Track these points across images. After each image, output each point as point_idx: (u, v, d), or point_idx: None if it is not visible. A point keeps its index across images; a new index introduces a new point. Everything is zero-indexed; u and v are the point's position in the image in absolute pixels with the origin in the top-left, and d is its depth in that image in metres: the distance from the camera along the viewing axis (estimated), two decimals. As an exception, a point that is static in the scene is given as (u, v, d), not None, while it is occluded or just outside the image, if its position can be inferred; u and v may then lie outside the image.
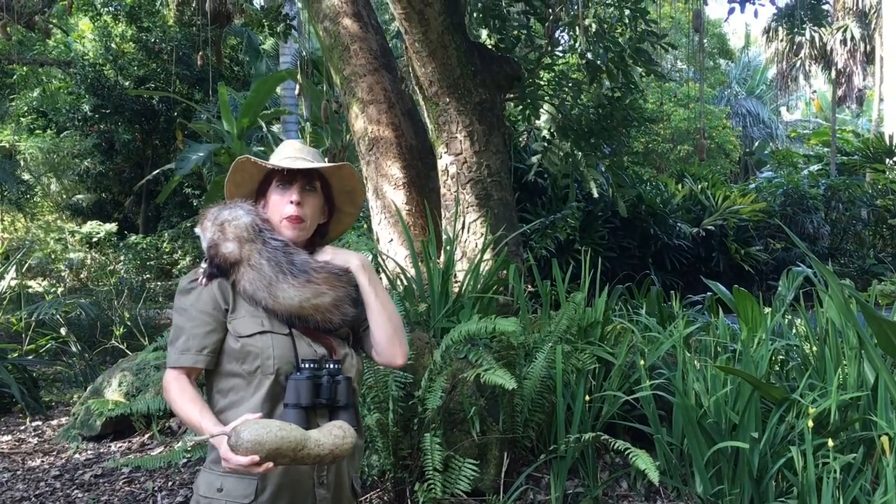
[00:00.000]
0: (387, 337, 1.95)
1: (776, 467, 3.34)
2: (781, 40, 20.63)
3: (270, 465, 1.61)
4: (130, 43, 16.64)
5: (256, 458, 1.59)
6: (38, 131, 18.69)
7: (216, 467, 1.80)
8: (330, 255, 1.96)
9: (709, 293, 6.27)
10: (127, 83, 16.44)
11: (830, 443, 3.09)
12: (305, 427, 1.76)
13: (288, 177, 1.93)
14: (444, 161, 5.68)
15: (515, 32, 6.90)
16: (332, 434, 1.72)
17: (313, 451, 1.67)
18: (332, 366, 1.83)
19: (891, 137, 13.83)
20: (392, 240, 6.00)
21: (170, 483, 4.57)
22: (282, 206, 1.92)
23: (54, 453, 5.51)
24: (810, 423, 3.18)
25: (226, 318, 1.86)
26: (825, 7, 8.54)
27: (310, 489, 1.85)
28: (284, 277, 1.84)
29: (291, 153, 1.97)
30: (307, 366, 1.80)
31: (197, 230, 1.97)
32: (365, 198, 6.98)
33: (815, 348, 4.18)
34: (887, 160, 13.69)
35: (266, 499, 1.79)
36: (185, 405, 1.80)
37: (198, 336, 1.84)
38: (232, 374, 1.85)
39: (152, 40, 16.28)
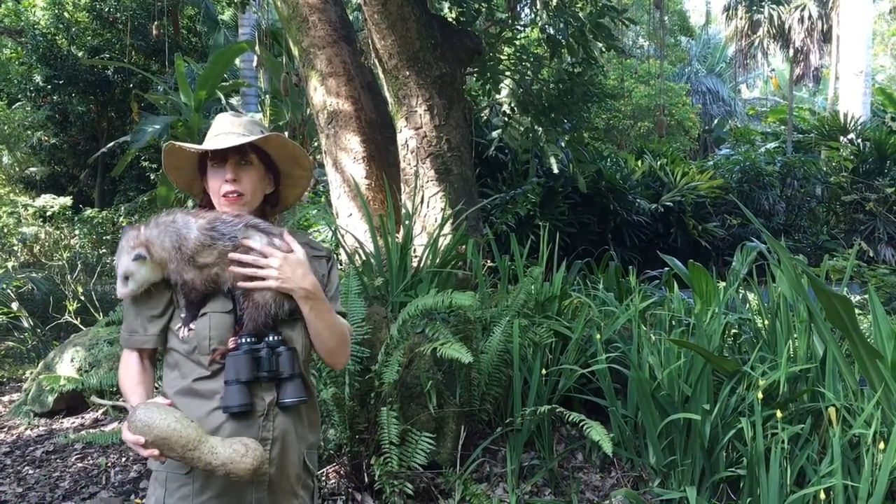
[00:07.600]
0: (326, 352, 1.92)
1: (727, 438, 3.40)
2: (741, 18, 20.78)
3: (156, 452, 1.61)
4: (83, 12, 16.17)
5: (142, 439, 1.60)
6: (-12, 103, 18.18)
7: None
8: (291, 259, 1.81)
9: (666, 268, 6.33)
10: (80, 53, 16.01)
11: (779, 414, 3.15)
12: (248, 401, 1.75)
13: (220, 155, 1.88)
14: (404, 135, 5.64)
15: (476, 6, 6.84)
16: (232, 447, 1.66)
17: (205, 456, 1.62)
18: (272, 338, 1.81)
19: (845, 116, 14.04)
20: (351, 214, 5.96)
21: (123, 459, 4.52)
22: (217, 185, 1.89)
23: (5, 430, 5.42)
24: (760, 395, 3.23)
25: (173, 299, 1.86)
26: (783, -15, 8.62)
27: None
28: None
29: (223, 129, 1.92)
30: (245, 340, 1.78)
31: (134, 254, 1.77)
32: (323, 171, 6.91)
33: (766, 322, 4.25)
34: (842, 138, 13.90)
35: (202, 472, 1.77)
36: (124, 381, 1.86)
37: (144, 318, 1.85)
38: (175, 350, 1.85)
39: (106, 9, 15.84)
